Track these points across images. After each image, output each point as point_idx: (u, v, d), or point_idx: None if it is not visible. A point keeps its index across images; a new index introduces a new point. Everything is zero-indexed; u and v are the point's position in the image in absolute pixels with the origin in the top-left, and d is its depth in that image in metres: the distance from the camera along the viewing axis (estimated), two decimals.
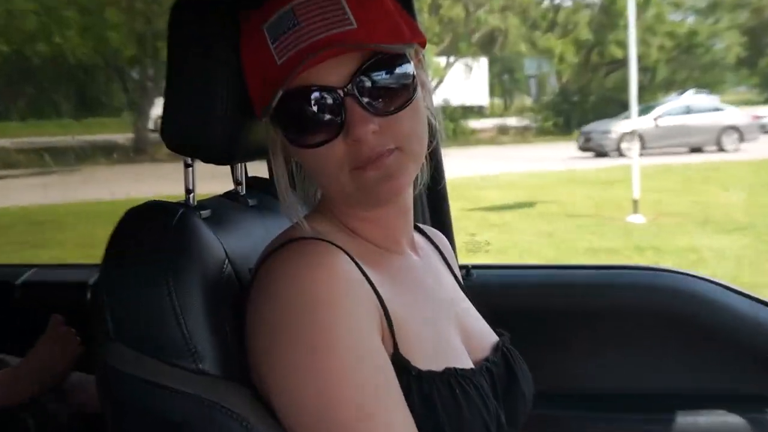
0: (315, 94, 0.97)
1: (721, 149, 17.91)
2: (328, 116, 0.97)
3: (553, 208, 11.59)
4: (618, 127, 17.92)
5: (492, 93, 28.76)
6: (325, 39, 0.94)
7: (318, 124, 0.98)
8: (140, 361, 0.94)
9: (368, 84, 0.97)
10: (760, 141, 18.03)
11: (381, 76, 0.98)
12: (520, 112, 27.81)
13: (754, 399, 1.72)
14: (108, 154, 19.42)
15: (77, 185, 15.29)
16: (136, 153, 18.87)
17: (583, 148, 18.42)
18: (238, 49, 1.04)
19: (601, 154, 17.82)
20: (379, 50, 0.98)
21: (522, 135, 24.92)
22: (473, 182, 13.34)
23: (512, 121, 26.74)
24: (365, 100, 0.96)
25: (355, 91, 0.96)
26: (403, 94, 1.00)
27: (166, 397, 0.93)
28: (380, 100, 0.98)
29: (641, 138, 16.83)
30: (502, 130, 25.53)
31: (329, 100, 0.97)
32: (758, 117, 21.19)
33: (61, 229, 10.66)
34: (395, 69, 1.00)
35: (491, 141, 23.67)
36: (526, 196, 12.81)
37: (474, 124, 25.38)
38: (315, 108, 0.97)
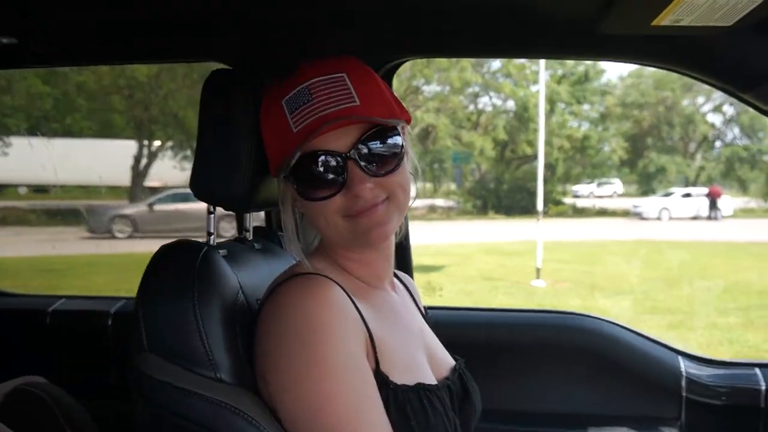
0: (322, 158, 1.23)
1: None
2: (332, 176, 1.24)
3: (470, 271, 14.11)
4: (114, 209, 19.41)
5: (424, 179, 29.20)
6: (334, 113, 1.20)
7: (324, 183, 1.24)
8: (169, 369, 1.18)
9: (365, 151, 1.23)
10: None
11: (376, 145, 1.25)
12: (446, 195, 32.34)
13: (654, 420, 2.02)
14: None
15: (72, 242, 17.86)
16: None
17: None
18: (257, 119, 1.31)
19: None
20: (377, 123, 1.24)
21: (447, 214, 29.55)
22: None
23: (440, 202, 31.12)
24: (363, 163, 1.23)
25: (356, 156, 1.23)
26: (393, 160, 1.27)
27: (192, 400, 1.17)
28: (375, 164, 1.24)
29: (134, 221, 19.15)
30: (432, 209, 29.69)
31: (333, 163, 1.23)
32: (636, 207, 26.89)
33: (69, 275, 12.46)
34: (388, 140, 1.26)
35: (422, 217, 26.89)
36: (450, 261, 15.24)
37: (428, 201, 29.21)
38: (322, 168, 1.24)
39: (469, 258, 15.89)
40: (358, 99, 1.23)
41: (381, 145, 1.25)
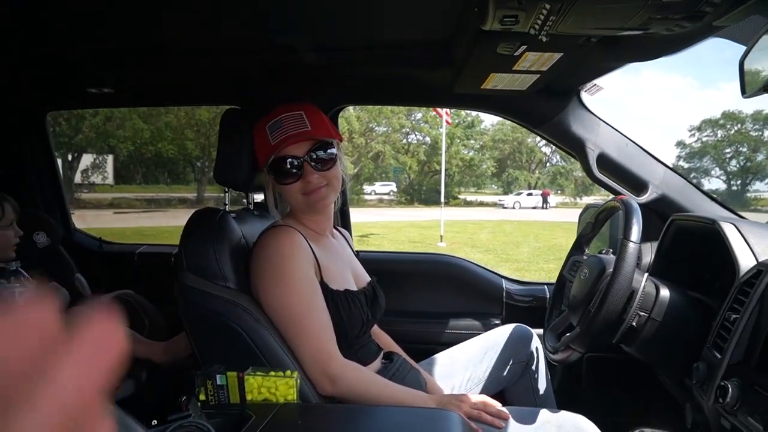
0: (289, 159, 1.22)
1: None
2: (295, 170, 1.23)
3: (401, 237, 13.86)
4: None
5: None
6: (294, 133, 1.21)
7: (289, 174, 1.23)
8: (198, 280, 1.17)
9: (314, 156, 1.22)
10: None
11: (321, 153, 1.23)
12: (389, 193, 32.25)
13: (486, 315, 1.98)
14: (183, 203, 22.41)
15: (166, 218, 16.99)
16: (197, 203, 22.32)
17: None
18: (250, 137, 1.28)
19: None
20: (320, 140, 1.23)
21: (389, 204, 30.44)
22: (363, 225, 15.10)
23: (386, 196, 31.55)
24: (312, 163, 1.22)
25: (308, 159, 1.22)
26: (331, 162, 1.24)
27: (211, 298, 1.15)
28: (319, 164, 1.23)
29: None
30: (380, 201, 31.18)
31: (295, 162, 1.22)
32: (501, 201, 27.94)
33: (157, 237, 10.87)
34: (328, 150, 1.24)
35: (374, 206, 28.30)
36: (390, 232, 14.83)
37: (366, 196, 29.83)
38: (288, 166, 1.22)
39: (401, 230, 15.63)
40: (309, 126, 1.23)
41: (323, 153, 1.25)
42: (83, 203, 20.16)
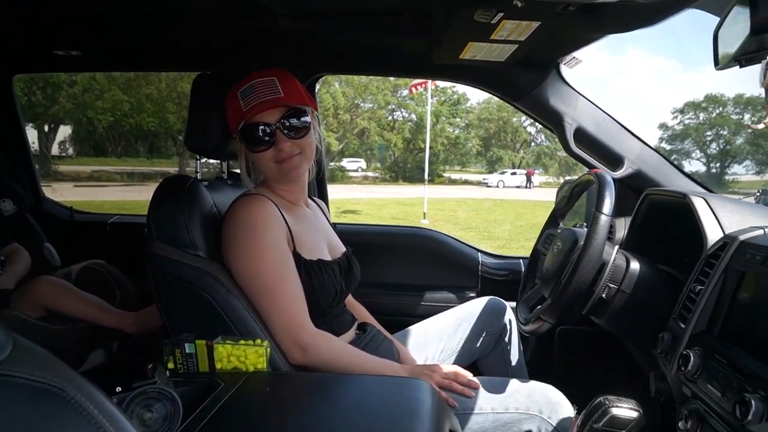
0: (261, 126, 1.21)
1: None
2: (267, 138, 1.22)
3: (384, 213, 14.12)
4: None
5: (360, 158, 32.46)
6: (267, 100, 1.20)
7: (261, 142, 1.22)
8: (167, 248, 1.16)
9: (287, 123, 1.22)
10: None
11: (293, 120, 1.22)
12: (374, 170, 32.24)
13: (462, 288, 2.02)
14: (163, 176, 23.68)
15: (144, 192, 17.65)
16: None
17: None
18: (223, 103, 1.26)
19: None
20: (293, 107, 1.22)
21: (374, 181, 29.75)
22: (347, 201, 15.28)
23: (370, 174, 31.27)
24: (285, 131, 1.21)
25: (280, 126, 1.21)
26: (304, 130, 1.24)
27: (180, 267, 1.14)
28: (292, 131, 1.22)
29: None
30: (365, 178, 30.29)
31: (267, 130, 1.21)
32: (485, 180, 28.32)
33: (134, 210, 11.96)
34: (301, 117, 1.23)
35: (359, 183, 27.95)
36: (373, 208, 15.08)
37: (351, 173, 29.62)
38: (260, 133, 1.21)
39: (384, 207, 15.76)
40: (282, 92, 1.21)
41: (296, 120, 1.23)
42: (61, 176, 19.58)
